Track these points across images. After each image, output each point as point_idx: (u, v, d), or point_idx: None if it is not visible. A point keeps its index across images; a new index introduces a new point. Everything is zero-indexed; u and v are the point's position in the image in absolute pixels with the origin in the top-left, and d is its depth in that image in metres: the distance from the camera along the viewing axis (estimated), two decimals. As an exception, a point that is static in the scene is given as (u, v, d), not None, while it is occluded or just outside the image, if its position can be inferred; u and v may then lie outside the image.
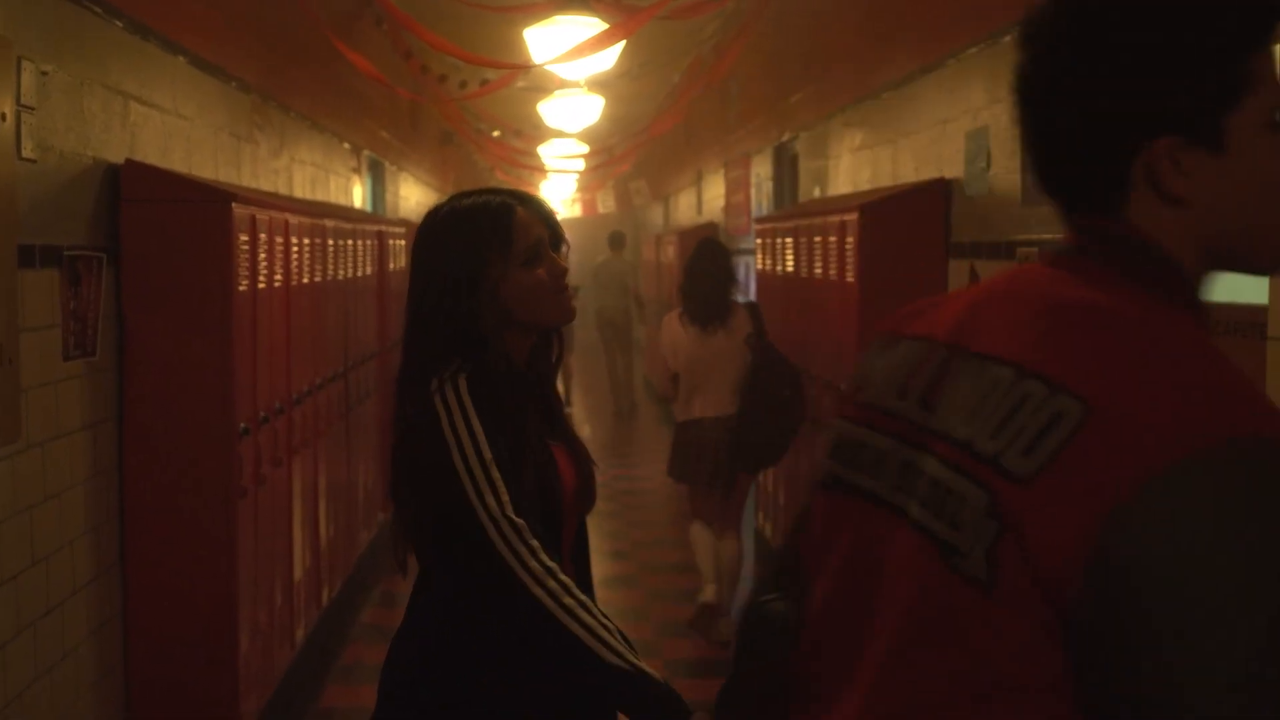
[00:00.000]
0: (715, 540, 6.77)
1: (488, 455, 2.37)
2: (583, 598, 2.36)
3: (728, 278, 6.87)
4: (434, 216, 2.61)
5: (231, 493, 4.84)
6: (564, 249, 2.63)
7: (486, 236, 2.51)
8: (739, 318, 6.74)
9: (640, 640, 6.82)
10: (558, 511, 2.49)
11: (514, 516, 2.35)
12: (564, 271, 2.58)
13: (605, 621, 2.35)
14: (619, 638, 2.35)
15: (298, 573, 5.90)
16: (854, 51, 7.60)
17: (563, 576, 2.35)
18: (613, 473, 11.90)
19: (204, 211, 4.79)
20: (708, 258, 6.89)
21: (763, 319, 6.82)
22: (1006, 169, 5.22)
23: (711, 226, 14.15)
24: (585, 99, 10.48)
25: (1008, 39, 5.17)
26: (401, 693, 2.48)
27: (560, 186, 22.04)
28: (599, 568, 8.20)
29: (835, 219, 6.48)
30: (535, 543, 2.35)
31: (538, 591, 2.32)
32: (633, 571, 8.40)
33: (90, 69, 4.47)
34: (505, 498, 2.36)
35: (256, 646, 5.13)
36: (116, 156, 4.70)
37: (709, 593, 6.68)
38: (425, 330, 2.53)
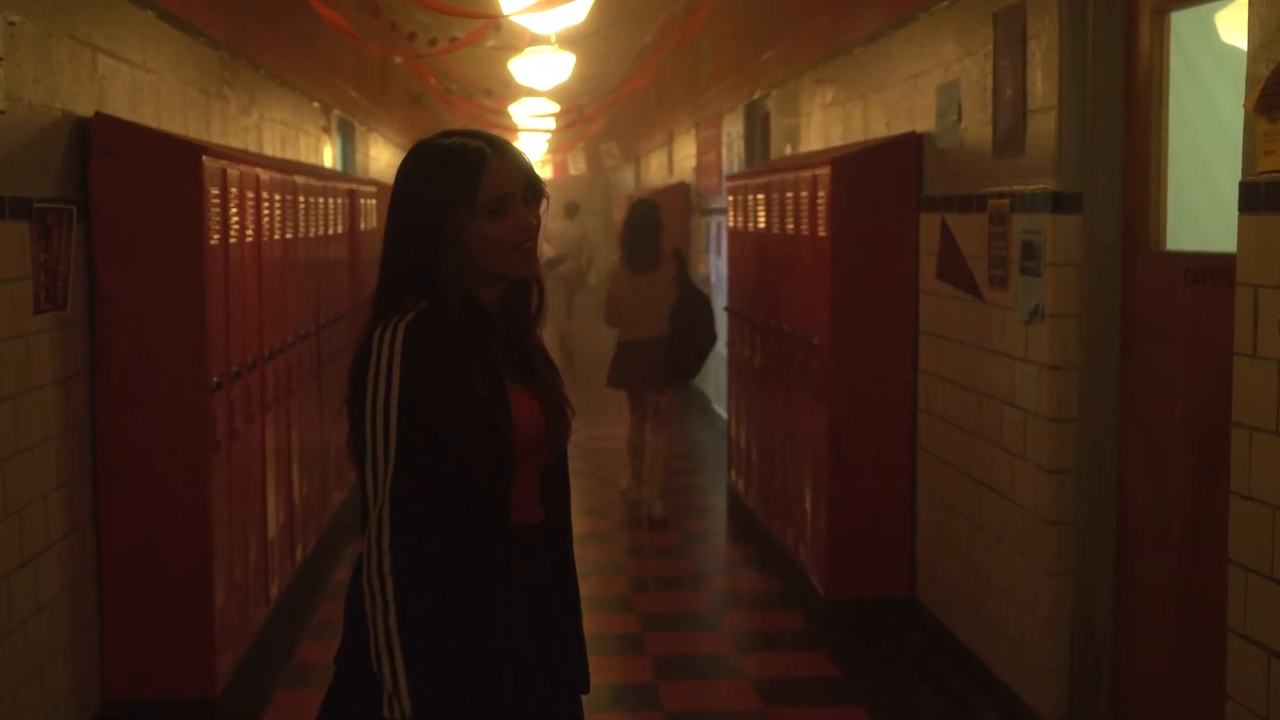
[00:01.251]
0: (648, 440, 8.65)
1: (394, 408, 2.40)
2: (393, 603, 2.39)
3: (657, 231, 8.56)
4: (414, 152, 2.60)
5: (205, 447, 4.83)
6: (544, 204, 2.61)
7: (455, 182, 2.50)
8: (667, 262, 8.50)
9: (615, 595, 6.91)
10: (509, 454, 2.49)
11: (388, 487, 2.40)
12: (531, 227, 2.56)
13: (393, 635, 2.39)
14: (397, 656, 2.39)
15: (272, 529, 5.89)
16: (825, 6, 7.59)
17: (389, 568, 2.40)
18: (586, 431, 11.92)
19: (174, 164, 4.77)
20: (641, 216, 8.62)
21: (685, 262, 8.77)
22: (978, 122, 5.23)
23: (683, 187, 14.15)
24: (556, 56, 10.43)
25: (979, -9, 5.18)
26: (356, 618, 2.49)
27: (531, 148, 21.97)
28: (574, 524, 8.16)
29: (807, 174, 6.49)
30: (402, 514, 2.39)
31: (366, 564, 2.41)
32: (607, 529, 8.42)
33: (58, 20, 4.43)
34: (391, 463, 2.40)
35: (231, 603, 5.13)
36: (85, 110, 4.66)
37: (624, 482, 8.99)
38: (390, 267, 2.55)
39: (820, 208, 6.22)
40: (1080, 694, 4.63)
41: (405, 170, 2.58)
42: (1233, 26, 4.16)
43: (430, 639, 2.41)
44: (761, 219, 7.62)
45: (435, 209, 2.50)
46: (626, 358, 8.59)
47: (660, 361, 8.38)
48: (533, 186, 2.58)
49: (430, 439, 2.42)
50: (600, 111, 14.00)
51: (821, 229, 6.20)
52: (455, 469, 2.44)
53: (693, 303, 8.41)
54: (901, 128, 6.16)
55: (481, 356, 2.51)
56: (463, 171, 2.50)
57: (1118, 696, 4.58)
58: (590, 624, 6.14)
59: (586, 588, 7.38)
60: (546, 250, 9.65)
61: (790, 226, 6.84)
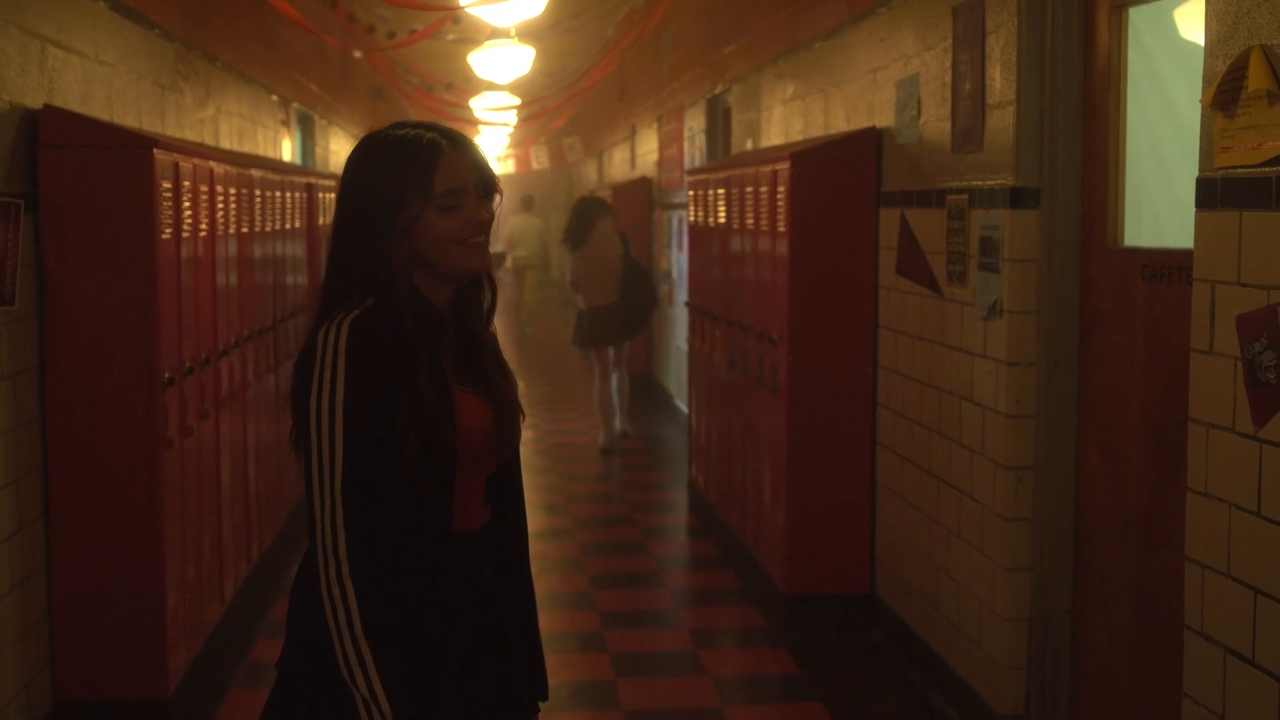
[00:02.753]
0: (613, 381, 10.86)
1: (339, 407, 2.34)
2: (355, 609, 2.32)
3: (587, 218, 10.86)
4: (365, 142, 2.53)
5: (157, 444, 4.77)
6: (496, 199, 2.54)
7: (406, 174, 2.42)
8: (614, 243, 10.86)
9: (575, 592, 6.88)
10: (448, 457, 2.42)
11: (338, 490, 2.33)
12: (483, 222, 2.49)
13: (360, 642, 2.33)
14: (368, 662, 2.33)
15: (226, 527, 5.83)
16: (786, 1, 7.57)
17: (348, 573, 2.33)
18: (546, 427, 11.87)
19: (125, 158, 4.70)
20: (577, 206, 11.22)
21: (629, 244, 11.13)
22: (937, 117, 5.22)
23: (645, 181, 14.12)
24: (516, 49, 10.38)
25: (938, -14, 5.16)
26: (300, 618, 2.47)
27: (492, 141, 21.88)
28: (533, 521, 8.12)
29: (767, 169, 6.47)
30: (355, 518, 2.33)
31: (323, 572, 2.34)
32: (567, 525, 8.39)
33: (5, 10, 4.36)
34: (339, 466, 2.33)
35: (184, 601, 5.07)
36: (34, 102, 4.59)
37: (603, 439, 10.80)
38: (337, 261, 2.49)
39: (780, 203, 6.20)
40: (1038, 690, 4.63)
41: (355, 161, 2.50)
42: (1191, 22, 4.16)
43: (395, 642, 2.35)
44: (722, 214, 7.60)
45: (386, 202, 2.42)
46: (587, 321, 10.83)
47: (614, 321, 10.73)
48: (485, 180, 2.51)
49: (375, 439, 2.36)
50: (562, 105, 13.95)
51: (781, 224, 6.18)
52: (397, 471, 2.37)
53: (637, 275, 10.98)
54: (861, 123, 6.14)
55: (428, 356, 2.44)
56: (416, 164, 2.43)
57: (1075, 693, 4.57)
58: (550, 621, 6.15)
59: (546, 585, 7.39)
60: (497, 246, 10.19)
61: (750, 221, 6.82)
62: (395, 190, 2.42)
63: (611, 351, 10.86)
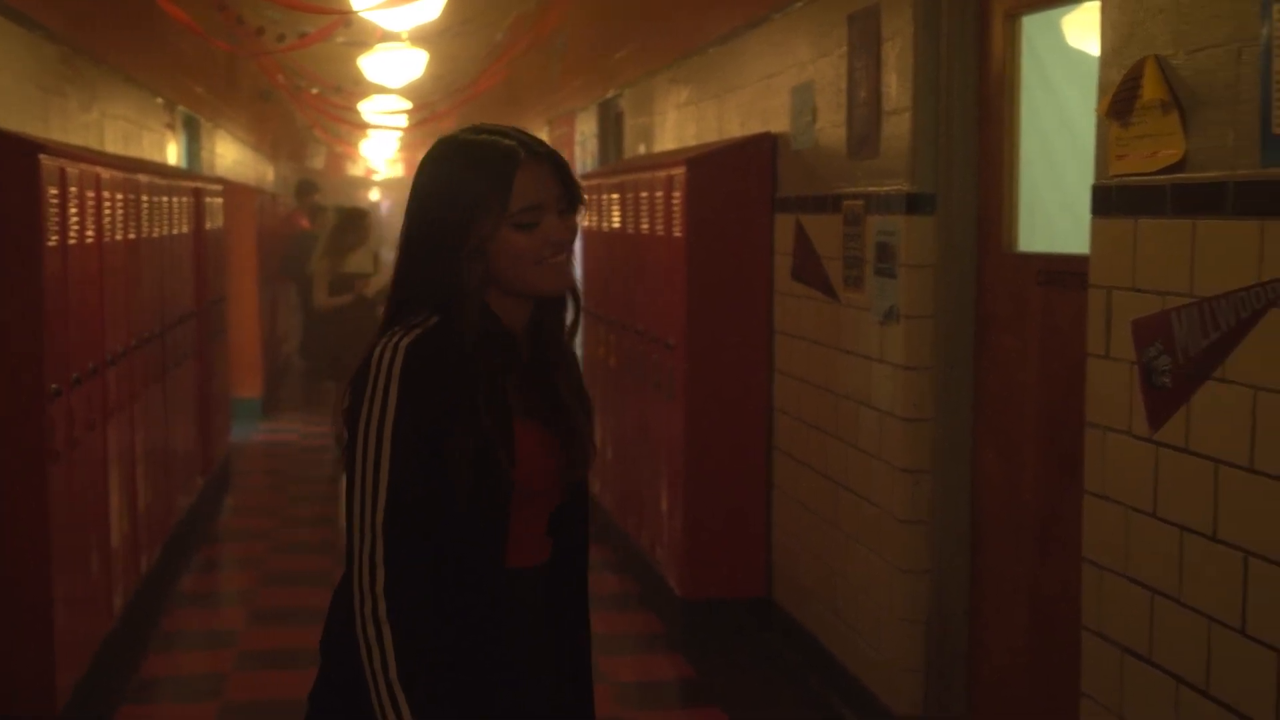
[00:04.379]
0: None
1: (387, 436, 2.15)
2: (392, 654, 2.13)
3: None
4: (437, 148, 2.32)
5: (43, 456, 4.66)
6: (580, 211, 2.34)
7: (481, 186, 2.23)
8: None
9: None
10: (504, 493, 2.23)
11: (379, 523, 2.16)
12: (564, 240, 2.28)
13: (395, 688, 2.14)
14: (404, 711, 2.14)
15: (115, 540, 5.71)
16: (679, 6, 7.57)
17: (385, 614, 2.14)
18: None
19: (10, 163, 4.58)
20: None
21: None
22: (832, 123, 5.25)
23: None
24: (408, 53, 10.26)
25: (833, -7, 5.19)
26: (332, 653, 2.31)
27: (382, 146, 21.70)
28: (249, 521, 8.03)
29: (662, 174, 6.47)
30: (397, 555, 2.15)
31: (359, 609, 2.16)
32: (272, 525, 8.39)
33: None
34: (382, 497, 2.16)
35: (71, 617, 4.95)
36: (-87, 105, 4.47)
37: None
38: (403, 275, 2.30)
39: (675, 208, 6.20)
40: (936, 692, 4.67)
41: (426, 169, 2.31)
42: (1080, 30, 4.22)
43: (435, 691, 2.17)
44: (617, 219, 7.59)
45: (458, 217, 2.23)
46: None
47: None
48: (568, 194, 2.31)
49: (424, 471, 2.18)
50: (453, 110, 13.84)
51: (676, 230, 6.18)
52: (445, 505, 2.19)
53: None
54: (756, 128, 6.17)
55: (492, 384, 2.24)
56: (491, 175, 2.23)
57: (973, 694, 4.62)
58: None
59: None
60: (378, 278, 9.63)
61: (645, 227, 6.82)
62: (468, 204, 2.23)
63: None
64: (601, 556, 7.77)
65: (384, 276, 9.52)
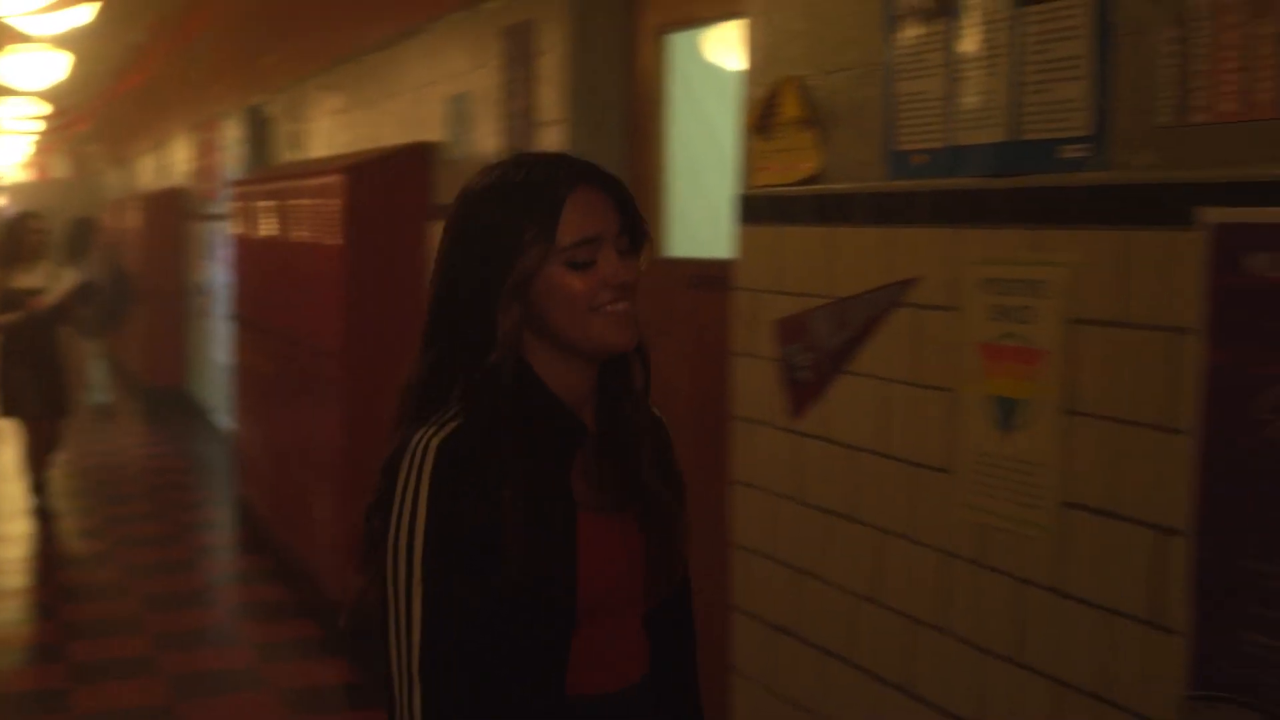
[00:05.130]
0: None
1: (418, 556, 1.77)
2: None
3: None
4: (475, 179, 1.92)
5: None
6: (645, 250, 1.90)
7: (525, 217, 1.81)
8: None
9: (125, 616, 6.66)
10: (564, 613, 1.82)
11: (415, 664, 1.76)
12: (624, 285, 1.84)
13: None
14: None
15: None
16: (330, 14, 7.58)
17: None
18: (86, 448, 11.41)
19: None
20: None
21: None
22: (489, 133, 5.39)
23: (178, 191, 13.73)
24: (50, 55, 9.87)
25: (489, 6, 5.34)
26: None
27: (12, 150, 20.69)
28: (76, 546, 7.80)
29: (319, 182, 6.47)
30: (434, 705, 1.76)
31: None
32: (105, 548, 8.11)
33: None
34: (416, 633, 1.76)
35: None
36: None
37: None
38: (434, 341, 1.90)
39: (333, 216, 6.21)
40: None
41: (459, 210, 1.90)
42: (719, 46, 4.48)
43: None
44: (271, 226, 7.53)
45: (498, 256, 1.81)
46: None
47: None
48: (634, 225, 1.88)
49: (464, 598, 1.77)
50: (88, 116, 13.38)
51: (334, 237, 6.20)
52: (494, 628, 1.78)
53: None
54: (413, 136, 6.25)
55: (545, 478, 1.82)
56: (536, 200, 1.82)
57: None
58: (97, 650, 5.92)
59: (91, 611, 7.10)
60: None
61: (302, 234, 6.80)
62: (508, 238, 1.81)
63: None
64: (259, 565, 7.70)
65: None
